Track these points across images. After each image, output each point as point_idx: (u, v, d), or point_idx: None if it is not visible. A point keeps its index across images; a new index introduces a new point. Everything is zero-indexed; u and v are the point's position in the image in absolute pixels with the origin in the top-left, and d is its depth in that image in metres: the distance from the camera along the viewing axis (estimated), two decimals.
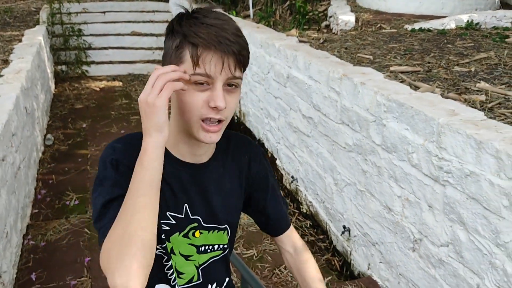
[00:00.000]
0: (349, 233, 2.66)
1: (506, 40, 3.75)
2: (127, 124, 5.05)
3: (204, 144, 1.01)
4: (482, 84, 2.71)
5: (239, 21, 4.59)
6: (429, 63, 3.25)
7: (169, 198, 1.03)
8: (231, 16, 5.04)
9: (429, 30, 4.24)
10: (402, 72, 3.04)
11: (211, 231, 1.11)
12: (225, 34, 0.90)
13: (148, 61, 6.90)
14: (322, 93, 2.78)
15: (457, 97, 2.51)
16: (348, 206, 2.65)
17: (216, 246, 1.12)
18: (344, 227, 2.67)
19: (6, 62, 4.29)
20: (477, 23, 4.23)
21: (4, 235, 2.45)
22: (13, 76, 3.74)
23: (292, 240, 1.25)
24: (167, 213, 1.04)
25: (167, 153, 1.02)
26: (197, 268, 1.12)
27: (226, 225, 1.12)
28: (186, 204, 1.05)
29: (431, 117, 1.92)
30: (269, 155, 3.85)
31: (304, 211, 3.26)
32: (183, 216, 1.06)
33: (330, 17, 5.05)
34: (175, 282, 1.10)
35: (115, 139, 1.03)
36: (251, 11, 5.68)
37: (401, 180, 2.15)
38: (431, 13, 4.72)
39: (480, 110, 2.20)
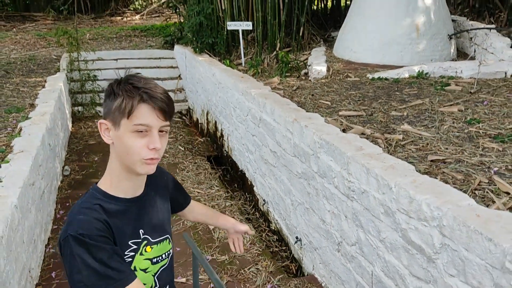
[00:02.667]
0: (301, 243, 3.37)
1: (446, 88, 4.51)
2: None
3: (141, 176, 1.30)
4: (405, 126, 3.46)
5: (227, 71, 5.43)
6: (374, 108, 4.02)
7: (126, 231, 1.28)
8: (223, 65, 5.91)
9: (386, 79, 5.03)
10: (348, 116, 3.81)
11: (158, 244, 1.38)
12: (156, 94, 1.18)
13: None
14: (282, 133, 3.56)
15: (380, 136, 3.27)
16: (300, 221, 3.37)
17: (163, 255, 1.40)
18: (296, 237, 3.38)
19: (32, 106, 5.13)
20: (427, 73, 5.01)
21: (32, 242, 3.20)
22: (39, 118, 4.57)
23: (191, 204, 1.70)
24: (129, 242, 1.29)
25: (113, 197, 1.28)
26: (153, 276, 1.38)
27: (167, 234, 1.42)
28: (141, 230, 1.33)
29: (344, 151, 2.67)
30: (249, 183, 4.60)
31: (273, 228, 3.98)
32: (140, 240, 1.32)
33: (309, 65, 5.88)
34: None
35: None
36: (242, 60, 6.54)
37: (330, 198, 2.88)
38: (392, 63, 5.51)
39: (385, 147, 2.95)
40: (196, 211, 1.74)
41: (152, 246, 1.35)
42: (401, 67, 5.28)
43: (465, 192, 2.27)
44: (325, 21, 8.09)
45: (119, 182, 1.27)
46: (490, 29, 5.71)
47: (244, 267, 3.30)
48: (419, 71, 5.05)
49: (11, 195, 2.80)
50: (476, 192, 2.33)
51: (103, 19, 13.28)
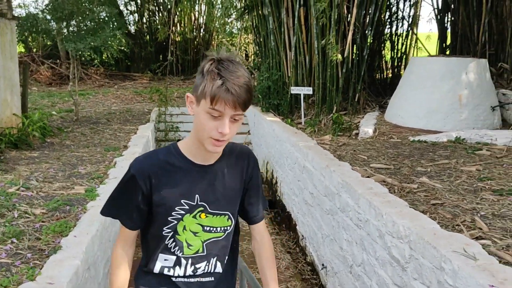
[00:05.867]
0: (326, 270, 3.99)
1: (476, 152, 5.02)
2: None
3: (210, 152, 1.40)
4: (424, 179, 4.05)
5: (285, 127, 6.33)
6: (403, 164, 4.64)
7: (183, 189, 1.43)
8: (285, 123, 6.82)
9: (425, 142, 5.61)
10: (377, 168, 4.47)
11: (215, 216, 1.47)
12: (235, 87, 1.28)
13: None
14: (317, 177, 4.31)
15: (398, 184, 3.89)
16: (326, 251, 4.02)
17: (218, 229, 1.49)
18: (322, 264, 4.02)
19: (125, 147, 6.32)
20: (463, 139, 5.53)
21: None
22: (130, 156, 5.70)
23: (260, 231, 1.65)
24: (182, 200, 1.43)
25: (182, 155, 1.45)
26: (202, 242, 1.48)
27: (227, 212, 1.50)
28: (197, 195, 1.44)
29: (356, 189, 3.37)
30: (293, 222, 5.31)
31: (308, 260, 4.62)
32: (194, 203, 1.44)
33: (359, 127, 6.62)
34: (178, 252, 1.48)
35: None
36: (302, 120, 7.43)
37: (346, 228, 3.55)
38: (436, 129, 6.08)
39: (398, 192, 3.59)
40: (263, 246, 1.64)
41: (207, 215, 1.47)
42: (441, 132, 5.84)
43: (447, 226, 2.86)
44: (383, 89, 8.84)
45: (192, 146, 1.44)
46: None
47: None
48: (456, 136, 5.58)
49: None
50: (456, 226, 2.91)
51: (190, 81, 15.07)
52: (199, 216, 1.45)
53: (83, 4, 7.85)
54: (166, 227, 1.45)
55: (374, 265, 3.00)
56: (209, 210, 1.46)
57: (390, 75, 9.69)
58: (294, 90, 7.38)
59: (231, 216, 1.52)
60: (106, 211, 1.53)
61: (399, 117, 6.57)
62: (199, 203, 1.45)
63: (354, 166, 4.31)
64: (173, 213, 1.43)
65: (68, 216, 3.35)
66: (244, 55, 16.32)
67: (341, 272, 3.64)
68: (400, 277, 2.64)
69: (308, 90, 7.25)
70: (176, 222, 1.45)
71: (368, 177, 3.93)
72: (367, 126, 6.30)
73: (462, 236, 2.45)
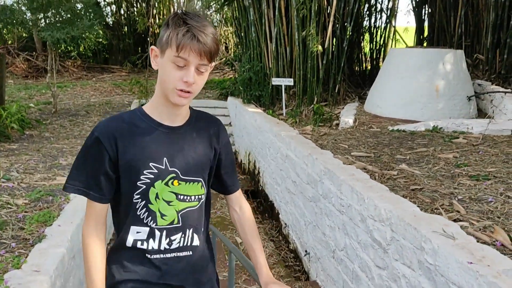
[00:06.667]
0: (309, 256, 4.06)
1: (453, 140, 5.15)
2: None
3: (178, 108, 1.36)
4: (403, 166, 4.16)
5: (267, 117, 6.37)
6: (383, 152, 4.74)
7: (150, 151, 1.34)
8: (266, 114, 6.85)
9: (403, 131, 5.73)
10: (358, 156, 4.55)
11: (188, 183, 1.39)
12: (201, 33, 1.26)
13: None
14: (300, 165, 4.37)
15: (378, 171, 3.98)
16: (309, 237, 4.09)
17: (193, 197, 1.41)
18: (305, 251, 4.10)
19: None
20: (441, 128, 5.67)
21: None
22: None
23: (239, 201, 1.61)
24: (150, 163, 1.34)
25: (147, 116, 1.38)
26: (177, 212, 1.39)
27: (200, 178, 1.43)
28: (165, 158, 1.36)
29: (338, 176, 3.44)
30: (276, 211, 5.37)
31: (291, 247, 4.69)
32: (163, 167, 1.35)
33: (340, 117, 6.71)
34: (151, 223, 1.38)
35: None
36: (284, 111, 7.48)
37: (329, 215, 3.62)
38: (414, 118, 6.21)
39: (378, 179, 3.67)
40: (244, 216, 1.60)
41: (180, 182, 1.39)
42: (419, 122, 5.97)
43: (426, 210, 2.95)
44: (363, 80, 8.96)
45: (158, 106, 1.38)
46: (505, 92, 6.31)
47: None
48: (434, 125, 5.71)
49: None
50: (435, 210, 3.00)
51: None
52: (172, 184, 1.37)
53: None
54: (136, 193, 1.36)
55: (357, 248, 3.08)
56: (181, 177, 1.39)
57: (369, 67, 9.82)
58: (275, 81, 7.42)
59: (203, 183, 1.45)
60: (71, 186, 1.36)
61: (378, 108, 6.68)
62: (170, 168, 1.37)
63: (336, 154, 4.39)
64: (141, 177, 1.34)
65: (51, 206, 3.33)
66: (224, 48, 16.27)
67: (323, 258, 3.72)
68: (382, 259, 2.72)
69: (289, 81, 7.30)
70: (145, 187, 1.35)
71: (349, 164, 4.01)
72: (347, 116, 6.39)
73: (441, 217, 2.54)
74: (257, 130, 6.52)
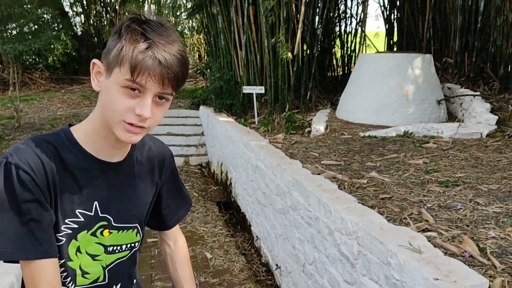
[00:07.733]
0: (280, 270, 3.94)
1: (424, 145, 5.13)
2: None
3: (121, 142, 1.03)
4: (373, 174, 4.08)
5: (238, 127, 6.25)
6: (354, 159, 4.67)
7: (76, 195, 1.02)
8: (238, 123, 6.73)
9: (374, 137, 5.68)
10: (328, 164, 4.47)
11: (121, 231, 1.12)
12: (165, 54, 0.92)
13: (178, 155, 8.65)
14: (269, 176, 4.25)
15: (348, 180, 3.90)
16: (280, 250, 3.97)
17: (124, 246, 1.14)
18: (276, 265, 3.97)
19: None
20: (411, 133, 5.65)
21: None
22: None
23: (174, 235, 1.37)
24: (76, 210, 1.03)
25: (80, 148, 1.03)
26: (104, 268, 1.12)
27: (136, 224, 1.16)
28: (96, 202, 1.06)
29: (306, 187, 3.33)
30: (248, 223, 5.24)
31: (263, 261, 4.56)
32: (92, 214, 1.05)
33: (312, 124, 6.63)
34: (69, 284, 1.08)
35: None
36: (256, 119, 7.38)
37: (298, 227, 3.51)
38: (385, 124, 6.19)
39: (347, 188, 3.59)
40: (178, 254, 1.39)
41: (111, 231, 1.11)
42: (391, 127, 5.94)
43: (394, 220, 2.87)
44: (335, 87, 8.94)
45: (95, 136, 1.05)
46: (474, 95, 6.35)
47: None
48: (405, 130, 5.69)
49: None
50: (403, 220, 2.92)
51: None
52: (101, 234, 1.09)
53: (23, 6, 7.46)
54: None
55: (325, 262, 2.97)
56: (114, 224, 1.11)
57: (340, 72, 9.82)
58: (246, 89, 7.32)
59: (139, 229, 1.19)
60: (7, 249, 0.96)
61: (349, 114, 6.63)
62: (100, 215, 1.08)
63: (305, 163, 4.29)
64: (62, 227, 1.03)
65: None
66: (197, 56, 16.14)
67: (294, 272, 3.60)
68: (350, 274, 2.61)
69: (260, 89, 7.21)
70: (64, 240, 1.04)
71: (318, 174, 3.91)
72: (318, 123, 6.32)
73: (408, 229, 2.45)
74: (228, 140, 6.39)
